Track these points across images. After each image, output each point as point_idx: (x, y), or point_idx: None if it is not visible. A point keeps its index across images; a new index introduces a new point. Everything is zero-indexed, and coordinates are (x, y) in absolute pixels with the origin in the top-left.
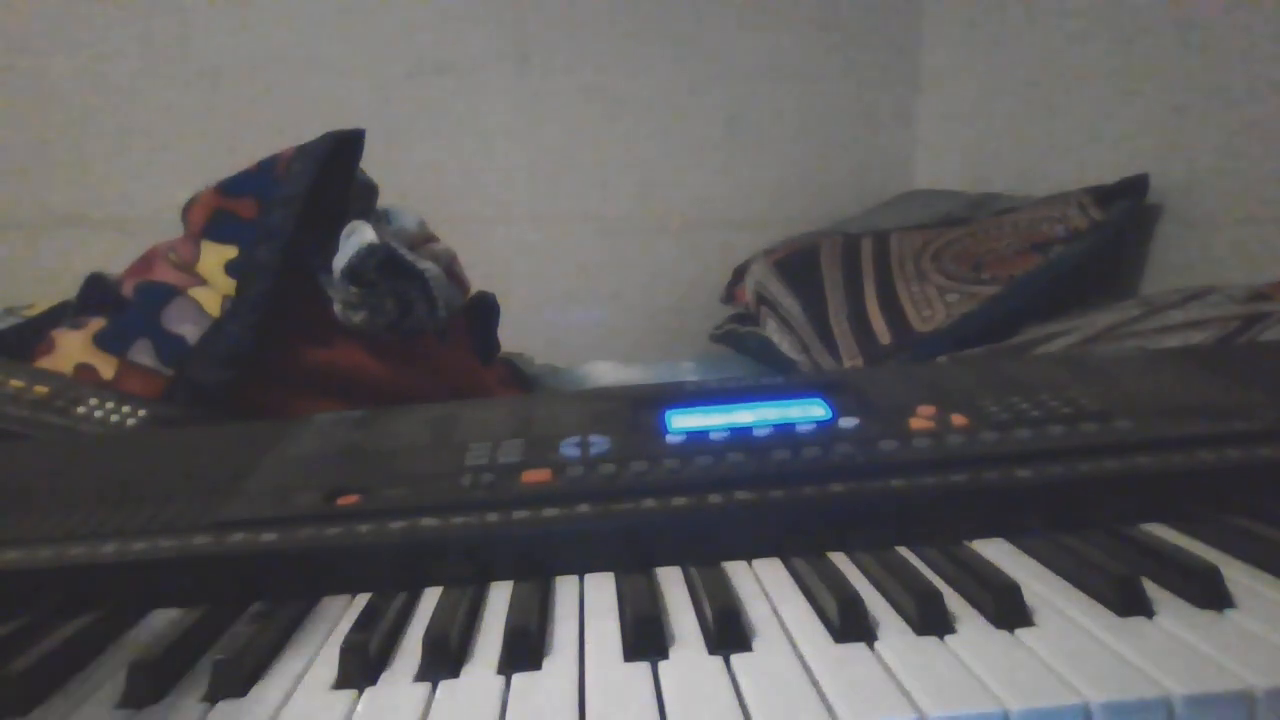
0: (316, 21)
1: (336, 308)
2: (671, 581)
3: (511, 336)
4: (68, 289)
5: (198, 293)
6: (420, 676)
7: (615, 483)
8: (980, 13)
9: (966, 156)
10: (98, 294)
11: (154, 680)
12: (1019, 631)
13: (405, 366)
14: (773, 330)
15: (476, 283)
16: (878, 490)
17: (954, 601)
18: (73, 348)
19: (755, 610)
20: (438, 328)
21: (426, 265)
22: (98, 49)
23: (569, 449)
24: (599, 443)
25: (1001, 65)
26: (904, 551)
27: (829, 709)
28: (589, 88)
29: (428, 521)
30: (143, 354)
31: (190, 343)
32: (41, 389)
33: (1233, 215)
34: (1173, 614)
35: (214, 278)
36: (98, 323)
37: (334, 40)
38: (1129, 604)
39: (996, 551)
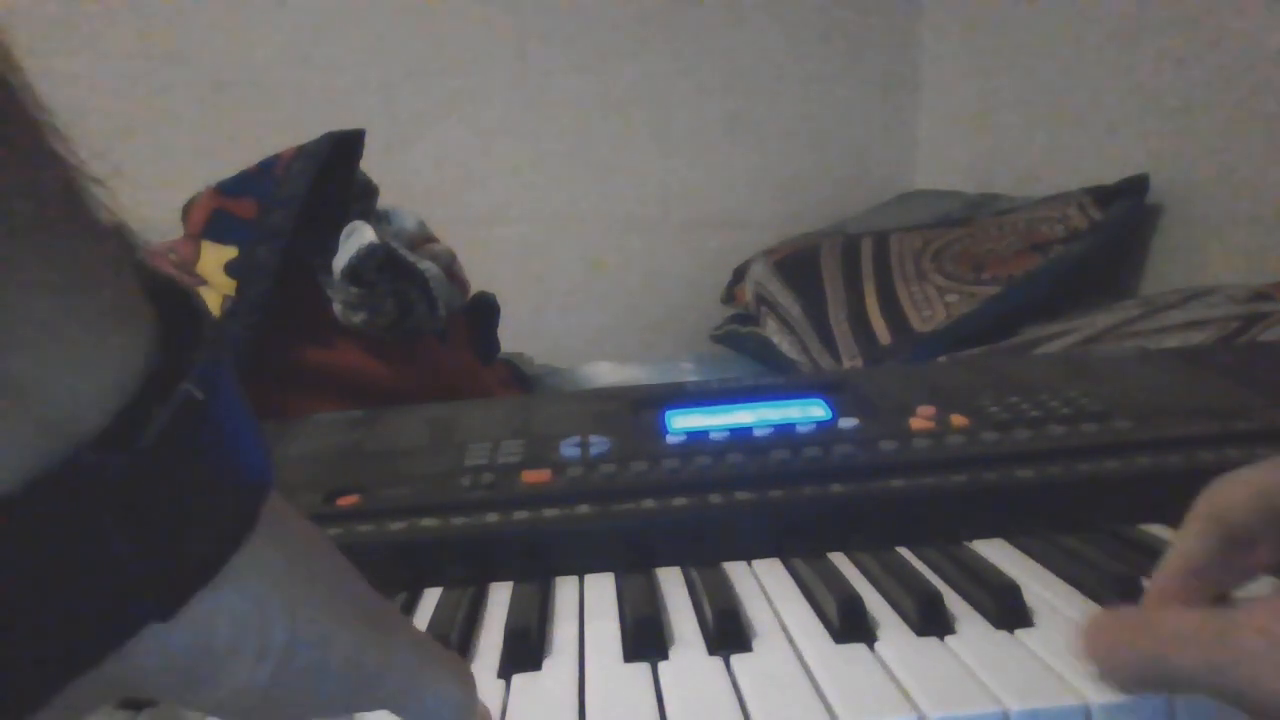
0: (316, 22)
1: (336, 308)
2: (671, 582)
3: (511, 337)
4: None
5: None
6: None
7: (615, 483)
8: (980, 13)
9: (966, 157)
10: None
11: None
12: (1019, 632)
13: (405, 367)
14: (773, 330)
15: (476, 283)
16: (878, 491)
17: (954, 602)
18: None
19: (755, 611)
20: (438, 328)
21: (426, 265)
22: (98, 50)
23: (569, 449)
24: (599, 443)
25: (1001, 65)
26: (904, 552)
27: (829, 710)
28: (588, 88)
29: (427, 522)
30: None
31: None
32: None
33: (1233, 215)
34: None
35: (214, 278)
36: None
37: (334, 40)
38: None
39: (996, 552)
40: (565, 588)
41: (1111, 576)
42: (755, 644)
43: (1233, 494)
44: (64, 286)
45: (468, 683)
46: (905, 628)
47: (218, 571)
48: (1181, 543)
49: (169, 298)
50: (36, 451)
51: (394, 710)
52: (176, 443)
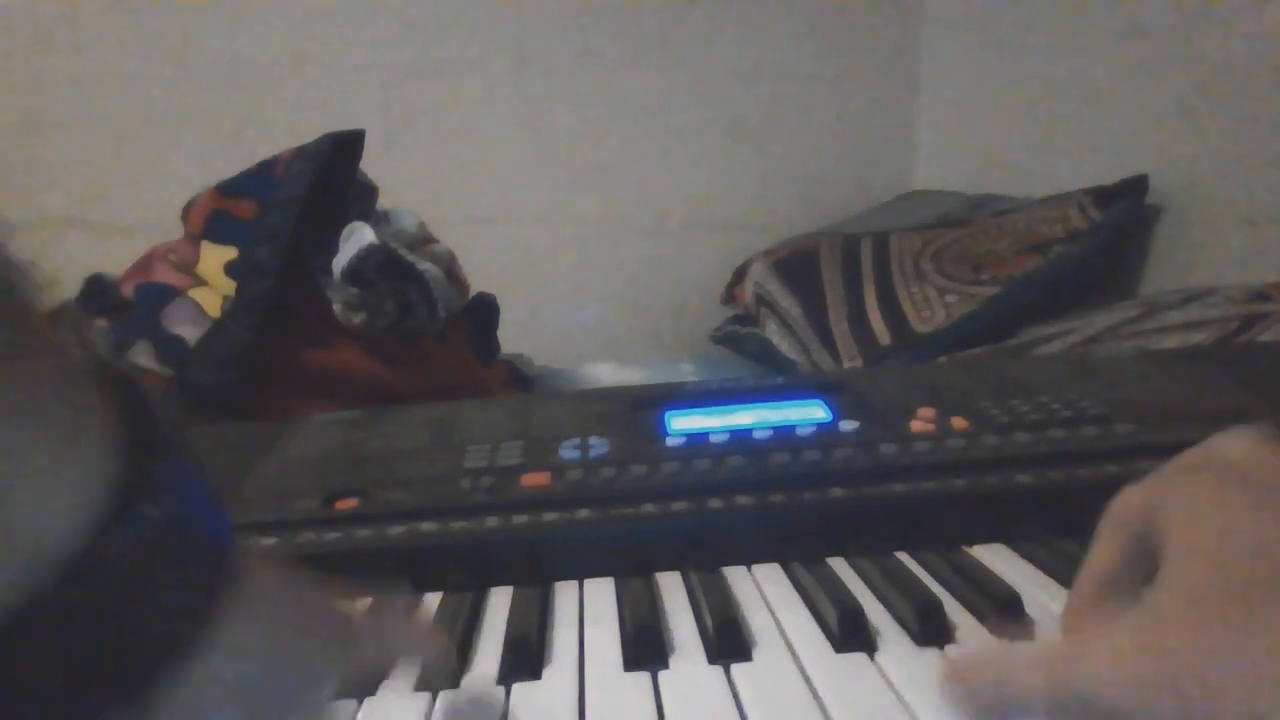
0: (316, 22)
1: (336, 309)
2: (671, 586)
3: (511, 338)
4: (68, 291)
5: (198, 294)
6: (420, 686)
7: (615, 487)
8: (980, 13)
9: (966, 157)
10: (98, 295)
11: None
12: (1019, 644)
13: (405, 368)
14: (772, 331)
15: (476, 284)
16: (878, 495)
17: (954, 611)
18: None
19: (755, 618)
20: (437, 329)
21: (426, 266)
22: (98, 49)
23: (568, 451)
24: (598, 445)
25: (1001, 66)
26: (904, 557)
27: None
28: (588, 89)
29: (427, 526)
30: (142, 355)
31: (190, 344)
32: None
33: (1232, 215)
34: None
35: (214, 279)
36: (99, 324)
37: (333, 41)
38: None
39: (997, 558)
40: (565, 593)
41: None
42: (755, 653)
43: (1131, 501)
44: (23, 417)
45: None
46: (905, 637)
47: (187, 651)
48: (1093, 552)
49: (118, 388)
50: (12, 584)
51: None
52: (140, 557)
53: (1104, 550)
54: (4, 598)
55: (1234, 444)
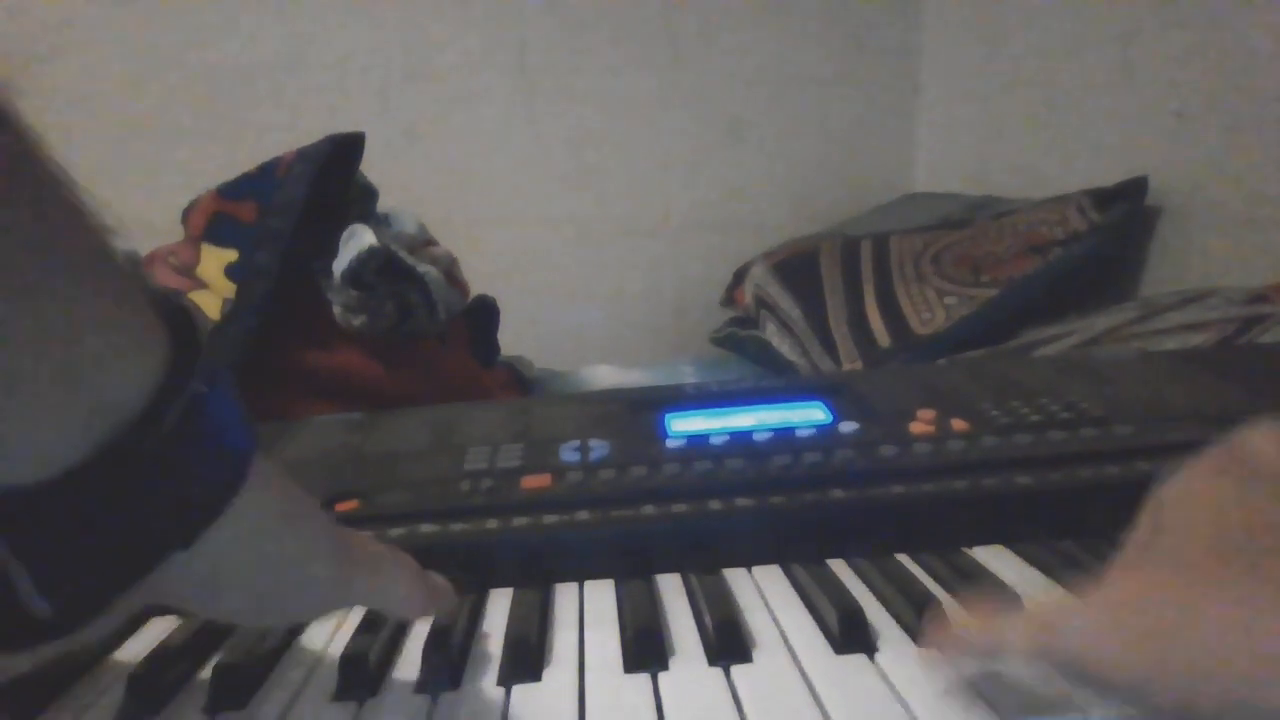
0: (317, 24)
1: (336, 311)
2: (671, 588)
3: (511, 340)
4: None
5: (198, 296)
6: (420, 688)
7: (615, 488)
8: (980, 14)
9: (966, 159)
10: None
11: (153, 692)
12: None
13: (405, 370)
14: (772, 333)
15: (476, 286)
16: (879, 497)
17: (955, 612)
18: None
19: (755, 619)
20: (437, 331)
21: (426, 269)
22: (97, 51)
23: (569, 453)
24: (599, 447)
25: (1001, 67)
26: (904, 559)
27: None
28: (588, 91)
29: (426, 528)
30: None
31: None
32: None
33: (1232, 217)
34: None
35: (214, 281)
36: None
37: (334, 43)
38: None
39: (997, 559)
40: (565, 594)
41: None
42: (755, 654)
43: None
44: (114, 315)
45: (414, 577)
46: (906, 638)
47: (221, 514)
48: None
49: (173, 309)
50: (90, 431)
51: (366, 605)
52: (188, 425)
53: (1139, 527)
54: (73, 446)
55: (1248, 437)
